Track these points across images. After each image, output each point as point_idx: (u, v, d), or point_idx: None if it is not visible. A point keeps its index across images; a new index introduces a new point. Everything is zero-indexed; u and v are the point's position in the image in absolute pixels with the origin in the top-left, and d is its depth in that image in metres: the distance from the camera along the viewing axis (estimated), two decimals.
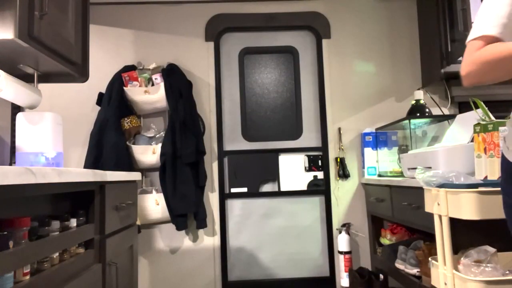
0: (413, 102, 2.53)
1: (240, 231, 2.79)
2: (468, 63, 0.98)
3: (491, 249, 1.31)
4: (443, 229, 1.37)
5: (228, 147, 2.84)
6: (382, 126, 2.70)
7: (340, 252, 2.64)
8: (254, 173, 2.81)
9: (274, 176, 2.83)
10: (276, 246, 2.79)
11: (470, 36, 1.00)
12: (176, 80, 2.68)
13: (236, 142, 2.85)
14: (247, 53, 2.93)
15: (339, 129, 2.83)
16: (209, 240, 2.75)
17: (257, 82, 2.92)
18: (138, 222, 2.29)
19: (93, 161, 2.53)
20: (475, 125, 1.56)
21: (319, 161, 2.84)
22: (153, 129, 2.74)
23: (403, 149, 2.65)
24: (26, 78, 1.85)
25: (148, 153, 2.62)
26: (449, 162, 1.68)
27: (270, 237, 2.79)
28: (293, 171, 2.83)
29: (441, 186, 1.38)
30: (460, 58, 2.54)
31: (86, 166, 2.54)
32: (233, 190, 2.81)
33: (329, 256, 2.79)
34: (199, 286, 2.72)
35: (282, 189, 2.81)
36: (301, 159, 2.84)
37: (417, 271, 1.89)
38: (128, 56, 2.82)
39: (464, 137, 1.77)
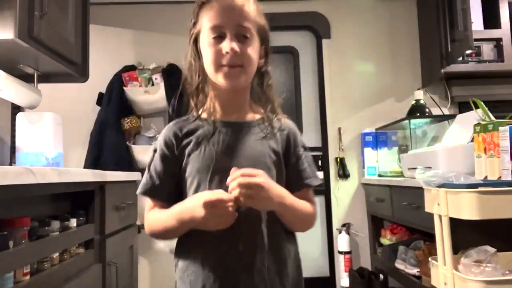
0: (413, 102, 2.53)
1: None
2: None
3: (491, 249, 1.31)
4: (443, 229, 1.37)
5: None
6: (382, 126, 2.70)
7: (340, 252, 2.64)
8: None
9: None
10: None
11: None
12: (176, 80, 2.68)
13: None
14: None
15: (339, 129, 2.82)
16: None
17: None
18: (138, 222, 2.29)
19: (93, 161, 2.53)
20: (475, 125, 1.56)
21: (319, 161, 2.83)
22: (153, 129, 2.73)
23: (403, 149, 2.64)
24: (26, 78, 1.85)
25: (148, 153, 2.61)
26: (449, 162, 1.68)
27: None
28: None
29: (441, 186, 1.38)
30: (460, 58, 2.55)
31: (86, 166, 2.54)
32: None
33: (329, 256, 2.78)
34: None
35: None
36: None
37: (417, 271, 1.89)
38: (128, 56, 2.81)
39: (464, 137, 1.77)
